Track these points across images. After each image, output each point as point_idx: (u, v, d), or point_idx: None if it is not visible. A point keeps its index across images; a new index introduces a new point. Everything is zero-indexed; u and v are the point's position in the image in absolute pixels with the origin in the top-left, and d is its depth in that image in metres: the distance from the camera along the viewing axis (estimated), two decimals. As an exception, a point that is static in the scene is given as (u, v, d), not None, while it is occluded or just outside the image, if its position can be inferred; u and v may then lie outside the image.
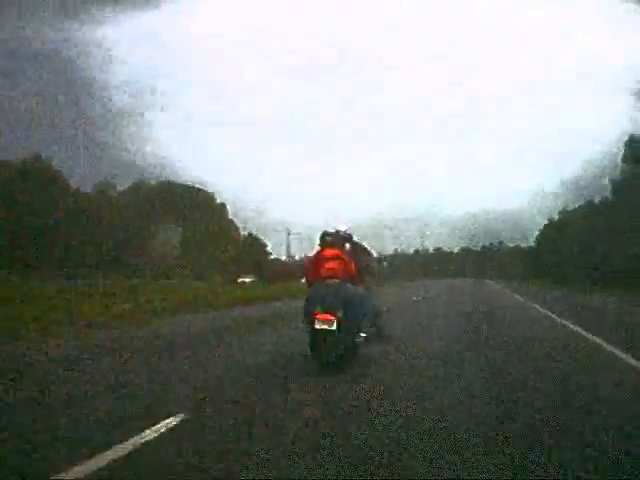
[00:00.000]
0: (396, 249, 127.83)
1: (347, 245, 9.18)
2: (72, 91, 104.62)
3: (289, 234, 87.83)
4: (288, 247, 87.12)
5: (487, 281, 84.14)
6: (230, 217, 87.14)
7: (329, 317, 7.68)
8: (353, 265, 8.60)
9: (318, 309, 7.77)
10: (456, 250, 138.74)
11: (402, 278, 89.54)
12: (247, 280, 69.24)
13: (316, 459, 4.30)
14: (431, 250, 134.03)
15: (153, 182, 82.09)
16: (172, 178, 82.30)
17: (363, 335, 8.38)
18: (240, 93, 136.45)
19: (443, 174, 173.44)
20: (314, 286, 8.33)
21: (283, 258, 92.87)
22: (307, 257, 9.03)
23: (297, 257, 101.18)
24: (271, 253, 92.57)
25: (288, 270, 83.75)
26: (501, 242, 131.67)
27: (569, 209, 65.75)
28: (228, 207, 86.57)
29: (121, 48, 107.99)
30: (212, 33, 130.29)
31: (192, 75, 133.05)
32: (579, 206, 59.17)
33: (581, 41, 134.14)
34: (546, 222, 75.99)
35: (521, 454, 4.37)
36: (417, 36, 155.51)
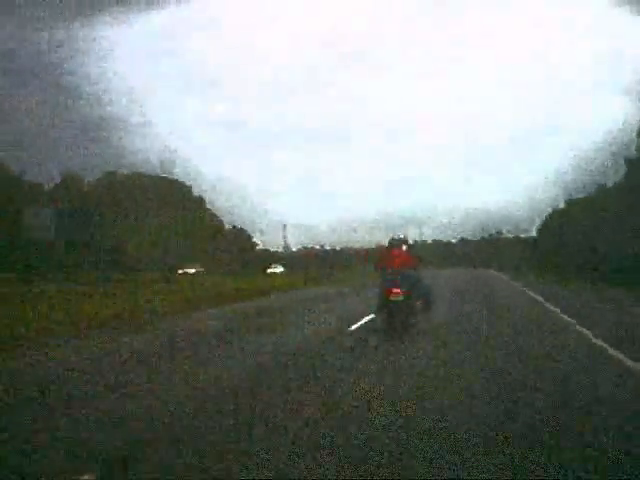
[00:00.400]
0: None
1: (404, 246, 12.94)
2: (69, 91, 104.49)
3: (285, 227, 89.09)
4: (285, 240, 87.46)
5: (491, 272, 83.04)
6: (213, 210, 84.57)
7: (399, 292, 11.57)
8: (411, 258, 12.63)
9: (391, 287, 11.65)
10: (454, 241, 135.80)
11: None
12: (191, 271, 59.72)
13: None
14: (429, 241, 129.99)
15: (125, 172, 78.43)
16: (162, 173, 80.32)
17: (419, 303, 12.31)
18: (237, 92, 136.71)
19: (441, 166, 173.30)
20: (387, 273, 12.15)
21: (280, 250, 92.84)
22: (381, 252, 14.92)
23: (294, 249, 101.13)
24: (258, 244, 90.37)
25: (270, 260, 79.14)
26: (500, 232, 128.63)
27: (574, 197, 63.90)
28: (207, 199, 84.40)
29: (119, 48, 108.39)
30: (206, 33, 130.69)
31: (189, 73, 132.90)
32: (593, 191, 57.65)
33: (581, 38, 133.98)
34: (549, 210, 73.54)
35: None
36: (417, 36, 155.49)
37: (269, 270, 68.60)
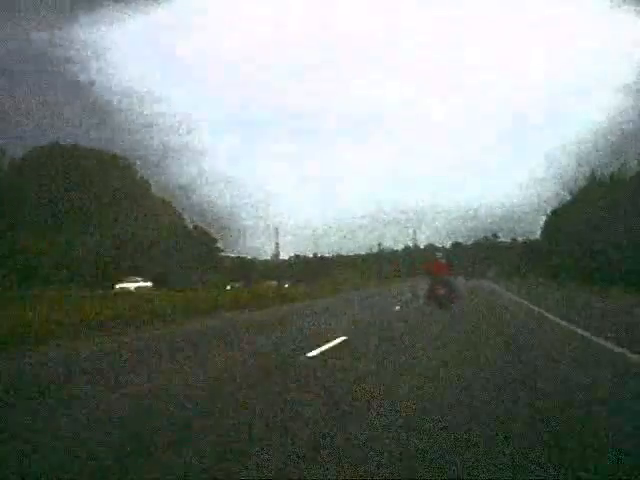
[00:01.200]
0: (380, 245, 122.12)
1: (443, 260, 22.26)
2: (70, 90, 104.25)
3: (277, 232, 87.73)
4: (277, 246, 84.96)
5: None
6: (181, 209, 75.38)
7: (442, 289, 20.85)
8: (449, 268, 21.92)
9: (438, 286, 20.81)
10: (448, 245, 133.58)
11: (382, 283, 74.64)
12: None
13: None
14: (422, 246, 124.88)
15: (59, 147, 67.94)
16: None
17: (454, 297, 21.15)
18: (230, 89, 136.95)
19: (436, 167, 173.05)
20: (434, 278, 21.23)
21: (269, 257, 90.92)
22: (429, 263, 23.03)
23: (286, 256, 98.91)
24: (222, 250, 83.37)
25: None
26: (496, 235, 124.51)
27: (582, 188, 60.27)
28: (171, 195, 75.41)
29: (117, 48, 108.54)
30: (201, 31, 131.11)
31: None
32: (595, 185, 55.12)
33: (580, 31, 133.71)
34: (554, 208, 69.80)
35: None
36: (416, 36, 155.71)
37: (119, 285, 46.35)
